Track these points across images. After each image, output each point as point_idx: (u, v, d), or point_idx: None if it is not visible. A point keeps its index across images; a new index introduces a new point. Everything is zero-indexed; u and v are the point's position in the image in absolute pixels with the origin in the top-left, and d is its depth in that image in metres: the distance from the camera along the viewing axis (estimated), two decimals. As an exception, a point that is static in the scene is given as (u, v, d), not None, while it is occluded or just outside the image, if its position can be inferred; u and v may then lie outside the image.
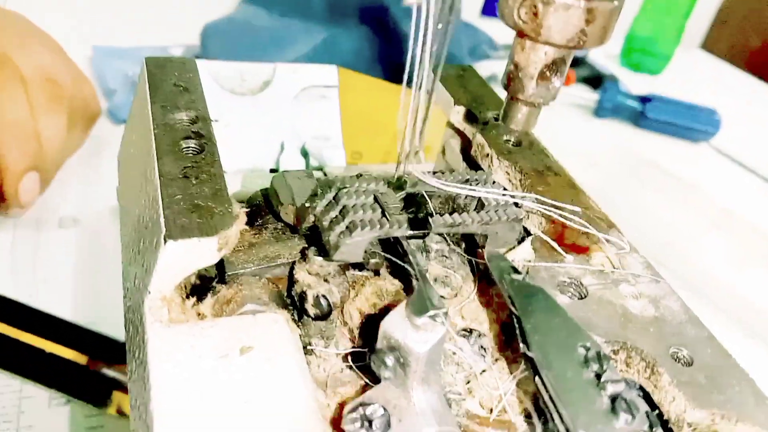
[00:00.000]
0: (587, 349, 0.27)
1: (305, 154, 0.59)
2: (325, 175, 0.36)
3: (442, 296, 0.32)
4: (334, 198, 0.30)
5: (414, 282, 0.31)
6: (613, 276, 0.33)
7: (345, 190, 0.30)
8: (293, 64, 0.61)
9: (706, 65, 1.42)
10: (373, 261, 0.33)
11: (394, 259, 0.31)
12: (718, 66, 1.42)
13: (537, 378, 0.26)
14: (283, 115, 0.59)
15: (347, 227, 0.29)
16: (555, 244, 0.33)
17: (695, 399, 0.28)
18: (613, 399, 0.25)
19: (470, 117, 0.42)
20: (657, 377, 0.29)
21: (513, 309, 0.28)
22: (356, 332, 0.34)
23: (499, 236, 0.31)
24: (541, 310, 0.28)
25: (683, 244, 0.76)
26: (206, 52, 0.90)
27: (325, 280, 0.34)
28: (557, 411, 0.25)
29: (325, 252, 0.31)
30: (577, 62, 1.10)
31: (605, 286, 0.32)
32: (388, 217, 0.29)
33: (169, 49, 0.95)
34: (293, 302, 0.34)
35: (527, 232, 0.35)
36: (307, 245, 0.33)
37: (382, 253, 0.33)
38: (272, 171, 0.55)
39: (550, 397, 0.25)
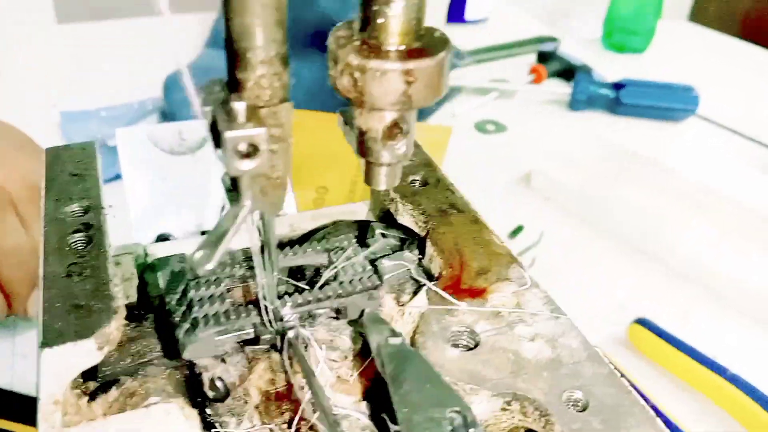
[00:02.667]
0: (458, 415, 0.26)
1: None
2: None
3: (333, 360, 0.32)
4: (183, 291, 0.30)
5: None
6: (509, 318, 0.32)
7: (194, 282, 0.29)
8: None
9: (694, 36, 1.39)
10: (264, 337, 0.33)
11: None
12: (706, 35, 1.38)
13: (405, 453, 0.25)
14: (222, 170, 0.58)
15: (191, 324, 0.28)
16: (445, 294, 0.32)
17: (588, 447, 0.27)
18: (478, 470, 0.24)
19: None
20: (551, 426, 0.28)
21: (385, 379, 0.27)
22: (261, 408, 0.33)
23: (358, 305, 0.31)
24: (413, 377, 0.27)
25: (668, 231, 0.74)
26: (170, 105, 0.91)
27: (222, 360, 0.34)
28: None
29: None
30: (548, 57, 1.08)
31: (499, 331, 0.31)
32: (235, 307, 0.29)
33: (135, 104, 0.96)
34: (194, 387, 0.34)
35: (419, 283, 0.34)
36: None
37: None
38: (203, 233, 0.54)
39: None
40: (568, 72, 1.06)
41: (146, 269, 0.36)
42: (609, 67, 1.11)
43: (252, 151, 0.23)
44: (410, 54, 0.26)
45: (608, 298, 0.68)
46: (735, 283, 0.68)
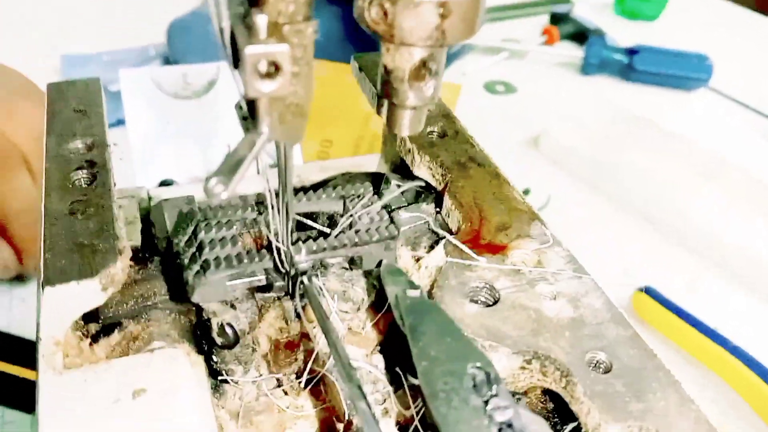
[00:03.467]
0: (480, 371, 0.25)
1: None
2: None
3: (345, 311, 0.31)
4: (193, 232, 0.28)
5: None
6: (530, 275, 0.31)
7: (205, 223, 0.28)
8: (238, 60, 0.59)
9: (707, 6, 1.35)
10: (277, 284, 0.32)
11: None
12: (719, 6, 1.35)
13: (424, 406, 0.24)
14: (229, 116, 0.56)
15: (201, 266, 0.27)
16: (464, 247, 0.31)
17: (610, 410, 0.26)
18: (500, 428, 0.23)
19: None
20: (572, 387, 0.27)
21: (403, 331, 0.26)
22: (270, 357, 0.32)
23: (373, 256, 0.29)
24: (432, 331, 0.26)
25: (676, 199, 0.72)
26: (173, 51, 0.88)
27: (232, 306, 0.32)
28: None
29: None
30: (561, 18, 1.05)
31: (520, 288, 0.30)
32: (246, 252, 0.27)
33: (137, 50, 0.93)
34: (202, 332, 0.33)
35: (438, 236, 0.33)
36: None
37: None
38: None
39: (437, 428, 0.24)
40: (580, 35, 1.03)
41: (151, 211, 0.34)
42: (621, 33, 1.08)
43: (273, 71, 0.22)
44: (446, -14, 0.24)
45: (613, 264, 0.67)
46: (742, 252, 0.67)
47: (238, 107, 0.26)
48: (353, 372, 0.24)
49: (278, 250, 0.28)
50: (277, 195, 0.29)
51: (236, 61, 0.22)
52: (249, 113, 0.24)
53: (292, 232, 0.29)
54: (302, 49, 0.23)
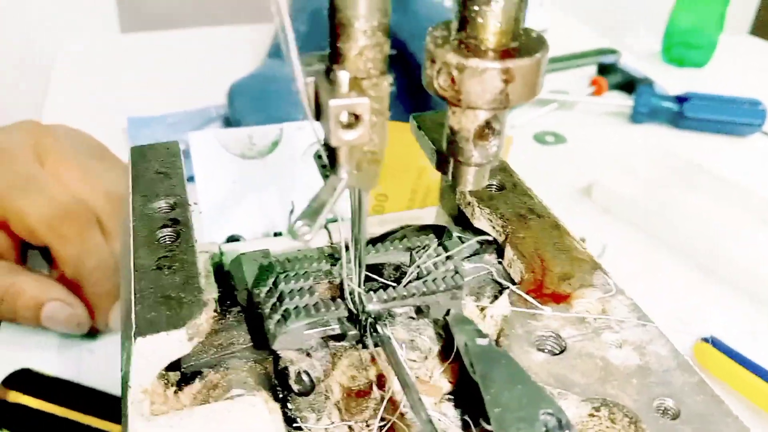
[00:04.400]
0: (551, 417, 0.26)
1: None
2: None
3: (413, 360, 0.32)
4: (273, 283, 0.30)
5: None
6: (595, 324, 0.32)
7: (284, 275, 0.30)
8: (299, 122, 0.62)
9: (756, 50, 1.35)
10: (351, 333, 0.33)
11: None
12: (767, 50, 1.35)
13: (498, 453, 0.25)
14: (293, 174, 0.60)
15: (282, 315, 0.29)
16: (529, 297, 0.32)
17: (681, 456, 0.27)
18: (574, 472, 0.24)
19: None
20: (641, 434, 0.28)
21: (474, 379, 0.27)
22: (342, 405, 0.34)
23: (441, 305, 0.31)
24: (503, 378, 0.27)
25: (733, 246, 0.72)
26: (234, 112, 0.93)
27: (308, 355, 0.34)
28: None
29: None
30: (609, 69, 1.07)
31: (586, 336, 0.31)
32: (323, 302, 0.29)
33: (199, 111, 0.98)
34: (279, 380, 0.34)
35: (502, 286, 0.34)
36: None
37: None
38: (276, 235, 0.55)
39: (511, 473, 0.24)
40: (628, 85, 1.04)
41: (230, 265, 0.36)
42: (669, 81, 1.09)
43: (353, 121, 0.24)
44: (508, 53, 0.26)
45: (672, 313, 0.66)
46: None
47: (317, 156, 0.28)
48: (427, 412, 0.26)
49: (351, 297, 0.30)
50: (347, 247, 0.31)
51: (318, 113, 0.25)
52: (329, 161, 0.27)
53: (363, 282, 0.31)
54: (379, 101, 0.25)
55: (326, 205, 0.25)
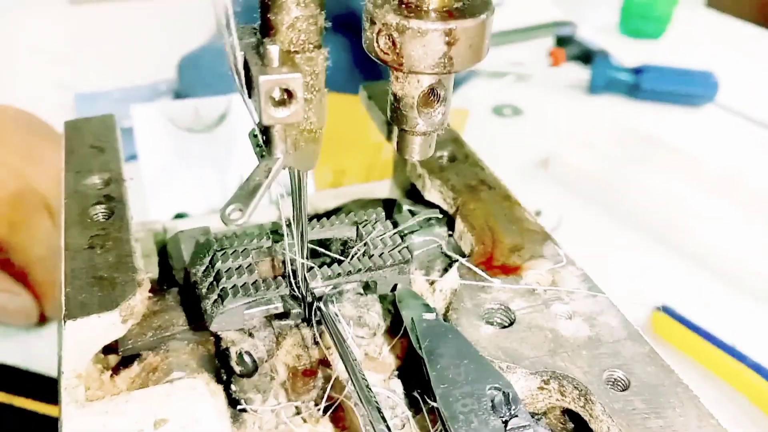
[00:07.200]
0: (498, 391, 0.25)
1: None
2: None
3: (361, 336, 0.31)
4: (210, 262, 0.29)
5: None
6: (545, 295, 0.31)
7: (222, 252, 0.28)
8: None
9: (710, 23, 1.36)
10: (294, 311, 0.32)
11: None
12: (722, 22, 1.36)
13: (444, 429, 0.24)
14: (243, 147, 0.58)
15: (219, 295, 0.27)
16: (478, 270, 0.31)
17: (630, 428, 0.26)
18: (521, 448, 0.23)
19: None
20: (591, 406, 0.27)
21: (420, 354, 0.26)
22: (288, 385, 0.33)
23: (388, 280, 0.30)
24: (450, 353, 0.26)
25: (687, 217, 0.72)
26: (184, 86, 0.90)
27: (250, 335, 0.33)
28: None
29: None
30: (566, 41, 1.06)
31: (535, 309, 0.30)
32: (263, 280, 0.28)
33: (148, 86, 0.95)
34: (221, 361, 0.33)
35: (452, 259, 0.33)
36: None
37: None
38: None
39: (458, 450, 0.24)
40: (585, 57, 1.04)
41: (168, 243, 0.35)
42: (625, 53, 1.09)
43: (287, 98, 0.22)
44: (451, 14, 0.25)
45: (627, 284, 0.67)
46: (755, 267, 0.66)
47: (252, 135, 0.26)
48: (372, 395, 0.25)
49: (294, 276, 0.29)
50: (289, 224, 0.29)
51: (250, 90, 0.23)
52: (263, 141, 0.25)
53: (306, 259, 0.30)
54: (314, 76, 0.24)
55: (261, 188, 0.23)
